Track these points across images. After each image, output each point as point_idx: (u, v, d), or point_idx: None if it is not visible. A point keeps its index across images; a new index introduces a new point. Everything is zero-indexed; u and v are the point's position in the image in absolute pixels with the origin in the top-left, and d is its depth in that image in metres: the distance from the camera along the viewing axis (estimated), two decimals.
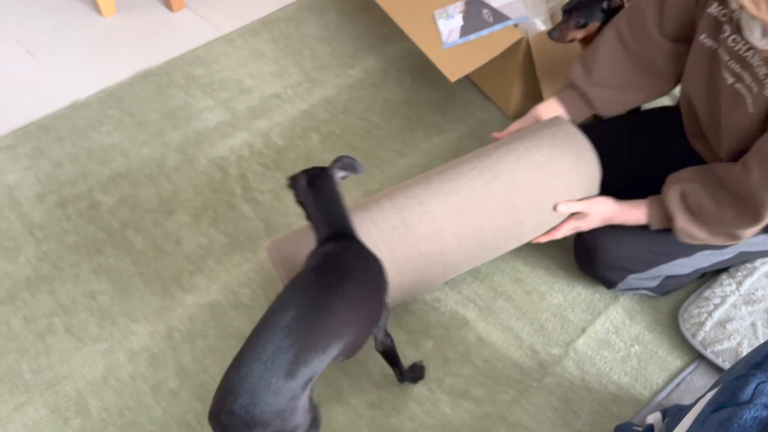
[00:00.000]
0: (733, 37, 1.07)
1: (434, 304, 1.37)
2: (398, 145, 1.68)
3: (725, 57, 1.09)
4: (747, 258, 1.32)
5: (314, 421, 0.95)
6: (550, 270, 1.43)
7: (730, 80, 1.09)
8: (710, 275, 1.38)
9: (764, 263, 1.36)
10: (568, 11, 1.39)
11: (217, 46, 1.94)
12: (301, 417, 0.90)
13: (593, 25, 1.38)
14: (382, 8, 1.73)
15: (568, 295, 1.39)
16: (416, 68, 1.87)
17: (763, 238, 1.26)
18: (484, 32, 1.56)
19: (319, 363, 0.91)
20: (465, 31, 1.58)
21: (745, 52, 1.06)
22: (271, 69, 1.88)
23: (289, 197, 1.56)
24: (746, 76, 1.06)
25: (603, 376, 1.27)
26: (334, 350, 0.92)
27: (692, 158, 1.28)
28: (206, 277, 1.41)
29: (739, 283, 1.34)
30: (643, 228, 1.24)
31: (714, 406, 0.86)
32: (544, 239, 1.27)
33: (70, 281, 1.40)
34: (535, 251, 1.45)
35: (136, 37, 1.97)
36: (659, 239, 1.24)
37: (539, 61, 1.55)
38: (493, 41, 1.55)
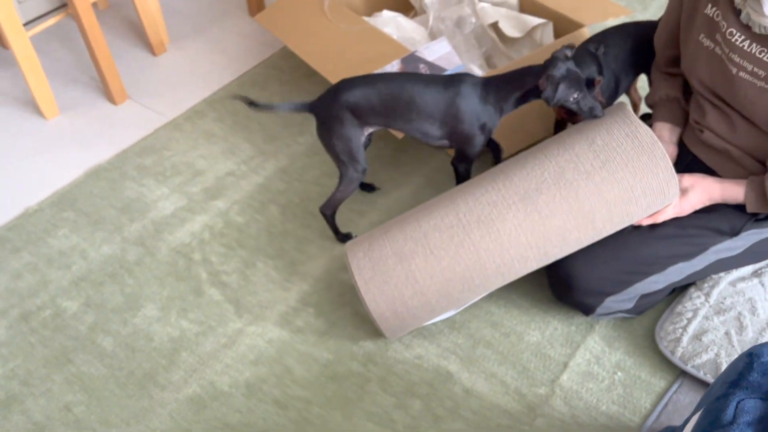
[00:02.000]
0: (730, 30, 1.17)
1: (416, 361, 1.37)
2: (357, 205, 1.70)
3: (726, 50, 1.19)
4: (717, 267, 1.34)
5: (362, 168, 1.47)
6: (524, 308, 1.44)
7: (734, 70, 1.19)
8: (679, 290, 1.40)
9: (727, 273, 1.39)
10: (589, 83, 1.36)
11: (165, 133, 1.94)
12: (340, 144, 1.43)
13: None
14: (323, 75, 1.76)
15: (545, 332, 1.40)
16: None
17: (729, 242, 1.30)
18: None
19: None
20: None
21: (741, 42, 1.16)
22: (222, 147, 1.89)
23: (257, 273, 1.56)
24: (748, 65, 1.16)
25: (591, 408, 1.27)
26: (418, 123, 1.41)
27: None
28: (182, 370, 1.39)
29: (707, 295, 1.37)
30: (615, 250, 1.26)
31: (700, 430, 0.86)
32: (647, 222, 1.27)
33: (42, 396, 1.36)
34: (507, 292, 1.46)
35: (82, 135, 1.97)
36: (632, 259, 1.27)
37: None
38: None
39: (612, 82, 1.49)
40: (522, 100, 1.34)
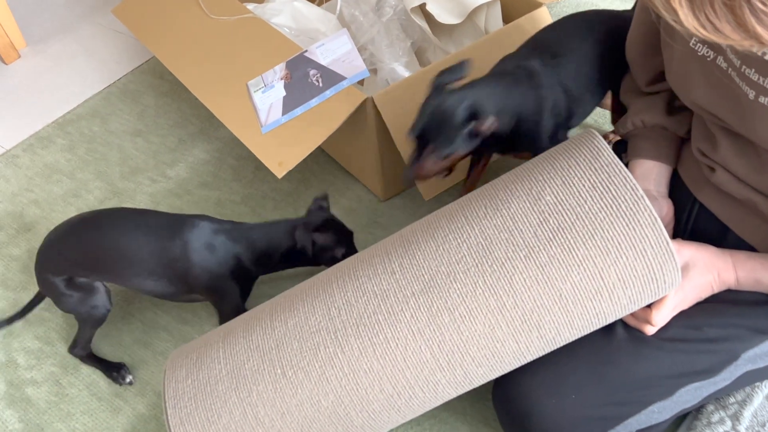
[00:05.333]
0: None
1: None
2: (189, 310, 1.19)
3: (736, 62, 0.72)
4: (750, 378, 0.86)
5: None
6: None
7: (750, 94, 0.71)
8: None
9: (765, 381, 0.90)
10: (419, 138, 0.92)
11: None
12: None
13: (457, 155, 0.94)
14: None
15: None
16: None
17: None
18: (313, 102, 1.11)
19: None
20: (289, 104, 1.13)
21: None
22: (66, 188, 1.40)
23: (77, 382, 1.07)
24: None
25: None
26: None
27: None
28: None
29: (736, 418, 0.89)
30: (593, 368, 0.79)
31: None
32: (634, 323, 0.79)
33: None
34: (432, 418, 0.97)
35: None
36: (621, 382, 0.79)
37: (392, 123, 1.10)
38: (328, 113, 1.10)
39: (561, 105, 0.99)
40: (287, 260, 1.04)
